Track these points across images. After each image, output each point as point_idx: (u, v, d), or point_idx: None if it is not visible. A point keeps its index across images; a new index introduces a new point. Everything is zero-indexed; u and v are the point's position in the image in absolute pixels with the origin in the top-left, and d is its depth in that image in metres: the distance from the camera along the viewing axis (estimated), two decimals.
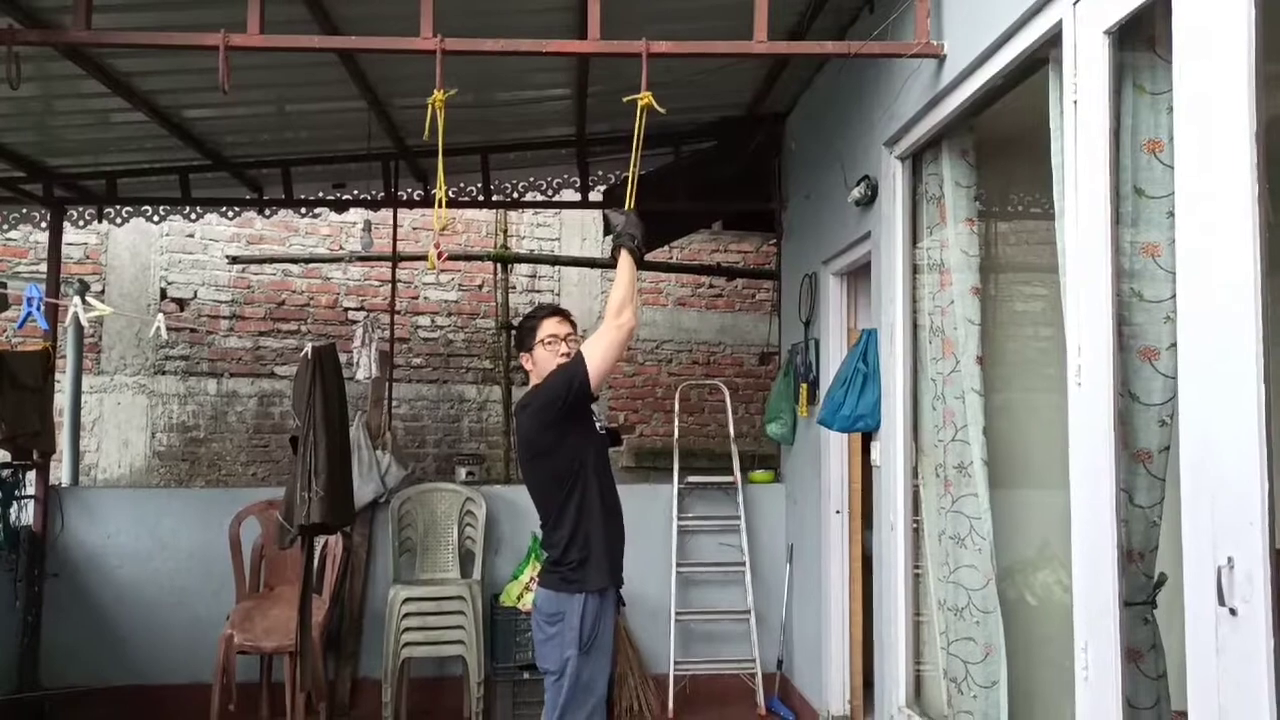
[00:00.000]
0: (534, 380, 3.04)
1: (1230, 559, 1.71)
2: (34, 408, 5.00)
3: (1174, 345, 2.01)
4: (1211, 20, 1.82)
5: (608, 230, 2.98)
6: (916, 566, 3.56)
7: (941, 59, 3.06)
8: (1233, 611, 1.70)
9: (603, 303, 7.75)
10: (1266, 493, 1.65)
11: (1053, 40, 2.46)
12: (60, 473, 5.85)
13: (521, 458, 3.08)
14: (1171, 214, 2.04)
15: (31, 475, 5.16)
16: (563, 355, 2.95)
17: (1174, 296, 1.99)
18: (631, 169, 2.97)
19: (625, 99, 2.92)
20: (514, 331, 3.12)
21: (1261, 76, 1.73)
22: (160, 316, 3.42)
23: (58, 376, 5.50)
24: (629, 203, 2.95)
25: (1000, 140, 3.31)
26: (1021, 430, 3.31)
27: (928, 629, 3.50)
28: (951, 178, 3.26)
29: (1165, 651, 2.27)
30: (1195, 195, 1.87)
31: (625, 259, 2.80)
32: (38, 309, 3.06)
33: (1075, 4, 2.33)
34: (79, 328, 5.90)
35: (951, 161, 3.26)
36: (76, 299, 3.20)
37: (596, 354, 2.73)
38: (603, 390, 2.92)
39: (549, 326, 3.01)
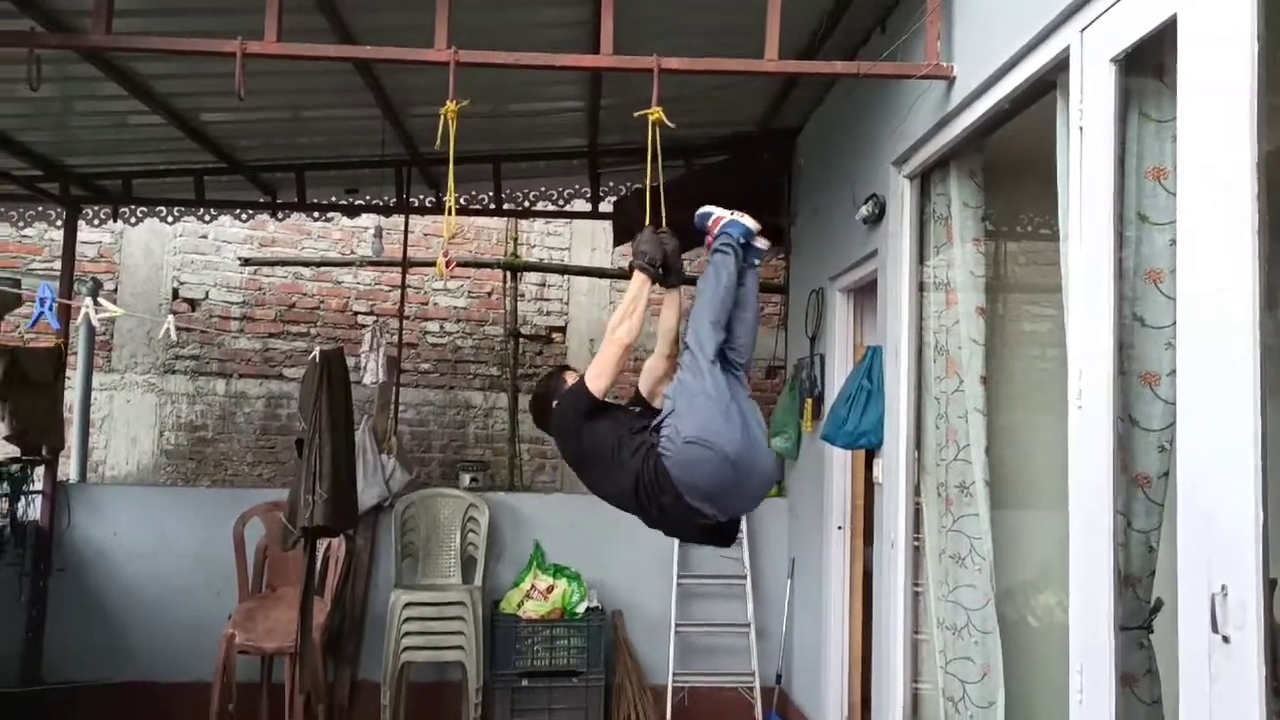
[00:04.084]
0: None
1: (1224, 586, 1.71)
2: (45, 404, 5.05)
3: (1174, 371, 2.02)
4: (1216, 50, 1.84)
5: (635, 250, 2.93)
6: (917, 584, 3.57)
7: (951, 80, 3.08)
8: (1226, 639, 1.70)
9: (610, 312, 7.78)
10: (1261, 521, 1.66)
11: (1060, 65, 2.48)
12: (68, 469, 5.89)
13: (589, 478, 2.87)
14: (1174, 241, 2.05)
15: (40, 471, 5.21)
16: None
17: (1175, 323, 2.00)
18: (647, 186, 2.98)
19: (636, 114, 2.95)
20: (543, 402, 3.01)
21: (1264, 107, 1.74)
22: (170, 318, 3.45)
23: (69, 373, 5.55)
24: (648, 221, 2.97)
25: (1008, 162, 3.33)
26: (1024, 451, 3.32)
27: (927, 647, 3.50)
28: (959, 198, 3.28)
29: (1161, 677, 2.28)
30: (1196, 224, 1.89)
31: (635, 277, 2.82)
32: (50, 309, 3.10)
33: (1083, 31, 2.35)
34: (90, 326, 5.94)
35: (959, 182, 3.28)
36: (88, 300, 3.24)
37: (594, 370, 2.77)
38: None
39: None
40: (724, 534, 2.80)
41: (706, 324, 2.68)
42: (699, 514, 2.63)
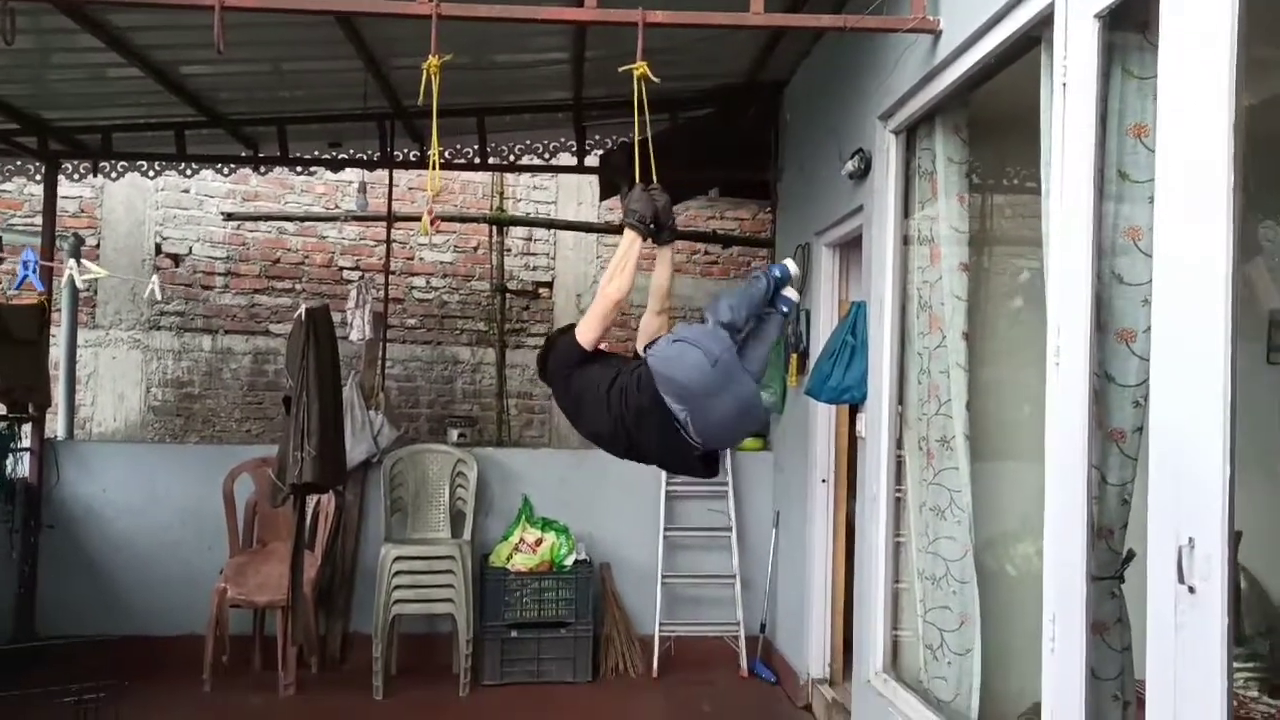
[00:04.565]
0: None
1: (1191, 539, 1.76)
2: (30, 361, 5.04)
3: (1150, 328, 2.05)
4: (1198, 7, 1.84)
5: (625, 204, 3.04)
6: (898, 536, 3.63)
7: (937, 34, 3.07)
8: (1191, 590, 1.76)
9: (597, 267, 7.77)
10: (1228, 477, 1.70)
11: (1045, 20, 2.47)
12: (56, 426, 5.89)
13: (581, 425, 2.99)
14: (1153, 199, 2.07)
15: (27, 428, 5.21)
16: None
17: (1152, 280, 2.03)
18: (635, 140, 2.98)
19: (621, 69, 2.92)
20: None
21: (1243, 66, 1.75)
22: (155, 278, 3.44)
23: (53, 330, 5.52)
24: (637, 178, 2.98)
25: (993, 118, 3.33)
26: (1004, 405, 3.36)
27: (907, 597, 3.57)
28: (944, 153, 3.28)
29: (1132, 625, 2.34)
30: (1174, 182, 1.90)
31: (626, 234, 2.86)
32: (34, 272, 3.08)
33: None
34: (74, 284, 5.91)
35: (945, 137, 3.28)
36: (72, 261, 3.22)
37: (584, 324, 2.88)
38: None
39: None
40: (706, 462, 2.84)
41: (725, 305, 2.85)
42: (674, 419, 2.66)
